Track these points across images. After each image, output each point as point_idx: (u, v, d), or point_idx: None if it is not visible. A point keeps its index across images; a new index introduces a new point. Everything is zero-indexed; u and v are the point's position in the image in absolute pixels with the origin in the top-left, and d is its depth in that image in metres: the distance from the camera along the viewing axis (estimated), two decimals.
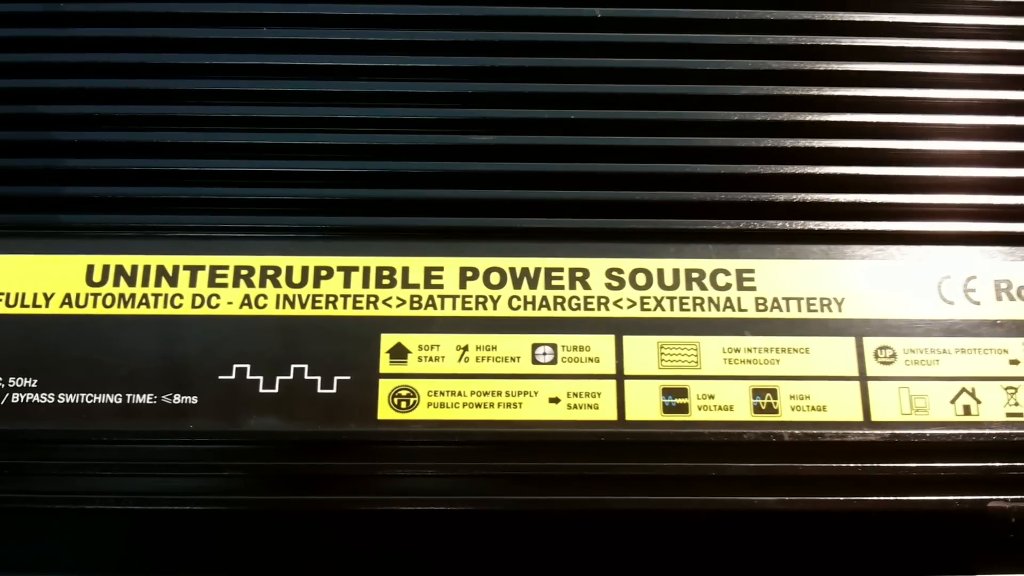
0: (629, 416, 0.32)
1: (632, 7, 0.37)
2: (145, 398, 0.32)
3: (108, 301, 0.33)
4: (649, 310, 0.33)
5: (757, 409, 0.32)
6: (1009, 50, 0.37)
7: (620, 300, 0.34)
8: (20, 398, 0.31)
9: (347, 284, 0.33)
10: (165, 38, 0.36)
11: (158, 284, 0.33)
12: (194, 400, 0.32)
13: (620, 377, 0.32)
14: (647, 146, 0.35)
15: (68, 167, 0.35)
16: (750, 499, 0.32)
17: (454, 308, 0.33)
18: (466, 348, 0.33)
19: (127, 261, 0.34)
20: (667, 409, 0.32)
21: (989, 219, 0.35)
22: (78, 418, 0.31)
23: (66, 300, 0.33)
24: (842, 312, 0.34)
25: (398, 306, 0.33)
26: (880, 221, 0.35)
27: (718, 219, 0.35)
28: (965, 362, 0.33)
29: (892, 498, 0.32)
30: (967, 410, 0.32)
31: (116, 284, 0.33)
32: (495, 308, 0.33)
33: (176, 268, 0.33)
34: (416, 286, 0.34)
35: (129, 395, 0.32)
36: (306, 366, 0.32)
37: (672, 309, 0.34)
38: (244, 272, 0.34)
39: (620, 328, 0.33)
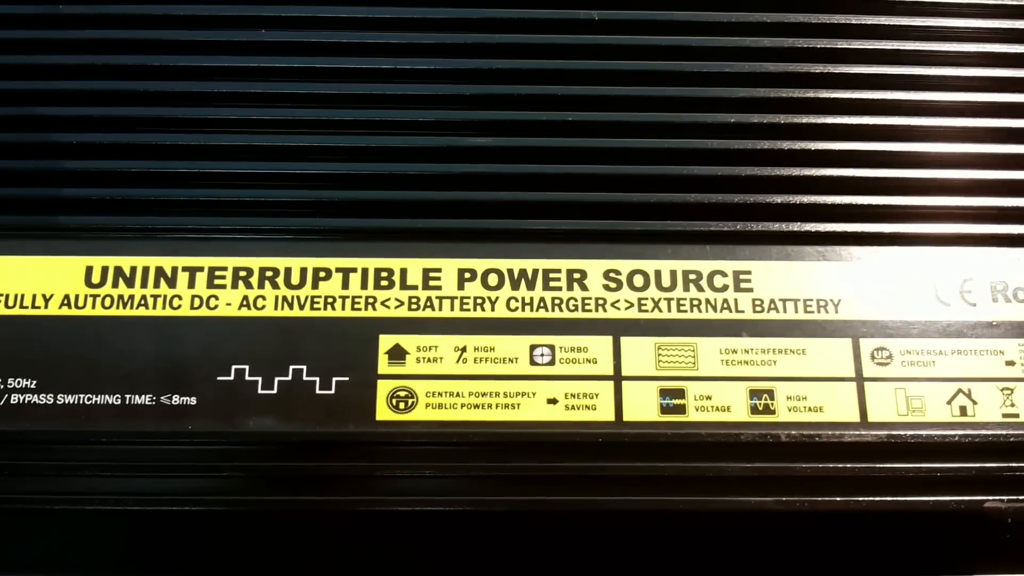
0: (627, 417, 0.32)
1: (629, 10, 0.37)
2: (144, 399, 0.32)
3: (107, 302, 0.33)
4: (646, 311, 0.34)
5: (754, 410, 0.32)
6: (1004, 53, 0.37)
7: (618, 301, 0.34)
8: (19, 399, 0.31)
9: (345, 285, 0.33)
10: (163, 40, 0.36)
11: (157, 285, 0.33)
12: (193, 401, 0.32)
13: (618, 378, 0.33)
14: (644, 148, 0.36)
15: (67, 168, 0.35)
16: (747, 499, 0.32)
17: (452, 309, 0.33)
18: (464, 349, 0.33)
19: (126, 262, 0.34)
20: (664, 410, 0.32)
21: (985, 221, 0.35)
22: (77, 419, 0.31)
23: (65, 301, 0.33)
24: (839, 313, 0.34)
25: (396, 307, 0.33)
26: (876, 223, 0.35)
27: (715, 221, 0.35)
28: (961, 363, 0.33)
29: (889, 498, 0.32)
30: (963, 411, 0.33)
31: (115, 285, 0.33)
32: (493, 309, 0.33)
33: (175, 269, 0.34)
34: (414, 287, 0.34)
35: (128, 396, 0.32)
36: (304, 367, 0.32)
37: (669, 310, 0.34)
38: (243, 273, 0.34)
39: (618, 329, 0.33)
